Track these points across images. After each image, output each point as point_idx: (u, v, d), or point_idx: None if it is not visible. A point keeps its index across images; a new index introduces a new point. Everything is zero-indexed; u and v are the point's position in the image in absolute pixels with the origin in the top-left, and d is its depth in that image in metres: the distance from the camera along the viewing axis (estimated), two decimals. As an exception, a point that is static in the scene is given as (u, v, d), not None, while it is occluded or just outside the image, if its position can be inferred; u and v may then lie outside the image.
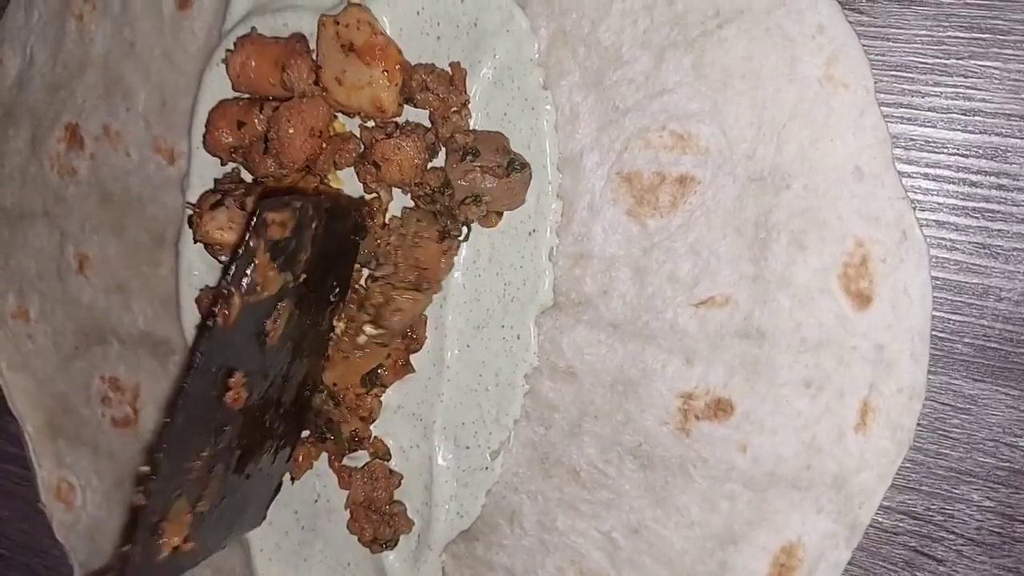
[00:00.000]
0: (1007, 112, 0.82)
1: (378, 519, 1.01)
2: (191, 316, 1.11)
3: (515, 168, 0.91)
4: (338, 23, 0.93)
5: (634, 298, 0.91)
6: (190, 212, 1.04)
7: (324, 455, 1.06)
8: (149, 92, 1.14)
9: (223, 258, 1.03)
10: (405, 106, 0.96)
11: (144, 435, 1.21)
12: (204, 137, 1.04)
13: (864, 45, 0.82)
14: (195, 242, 1.03)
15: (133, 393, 1.21)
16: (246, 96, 1.03)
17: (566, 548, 0.97)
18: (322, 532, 1.08)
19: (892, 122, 0.84)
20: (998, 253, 0.84)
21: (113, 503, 1.25)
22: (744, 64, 0.85)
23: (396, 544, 1.03)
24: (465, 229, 0.96)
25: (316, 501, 1.08)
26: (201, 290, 1.08)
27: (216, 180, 1.07)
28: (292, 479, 1.06)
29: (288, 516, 1.10)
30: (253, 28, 1.01)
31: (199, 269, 1.11)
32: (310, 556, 1.09)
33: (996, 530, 0.86)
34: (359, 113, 0.97)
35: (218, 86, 1.05)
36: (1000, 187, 0.83)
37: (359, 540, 1.03)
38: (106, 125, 1.17)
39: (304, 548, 1.10)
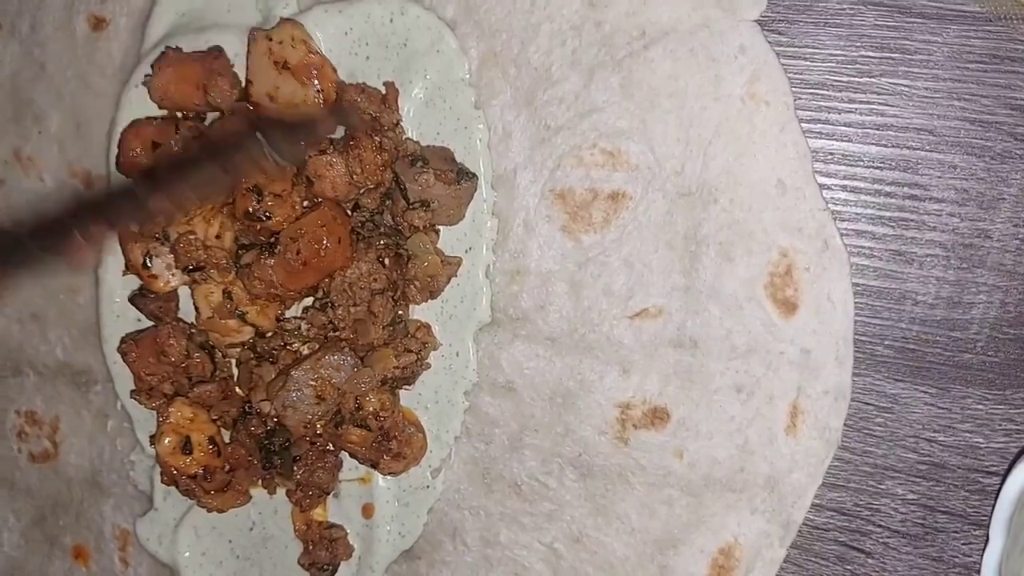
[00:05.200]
0: (917, 127, 0.85)
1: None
2: (114, 344, 1.06)
3: (465, 176, 0.91)
4: (271, 39, 0.91)
5: (570, 312, 0.92)
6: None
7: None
8: (62, 115, 1.09)
9: (148, 287, 0.99)
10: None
11: (65, 470, 1.15)
12: (117, 159, 1.00)
13: (783, 64, 0.85)
14: (124, 274, 1.00)
15: (52, 426, 1.15)
16: (160, 115, 0.99)
17: (509, 562, 0.97)
18: (259, 561, 1.05)
19: (811, 137, 0.87)
20: (912, 259, 0.87)
21: (32, 542, 1.19)
22: (670, 83, 0.87)
23: (335, 570, 1.01)
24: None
25: (252, 529, 1.05)
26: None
27: (138, 204, 1.03)
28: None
29: (223, 546, 1.06)
30: (178, 47, 0.98)
31: (120, 296, 1.06)
32: (247, 585, 1.07)
33: (919, 522, 0.88)
34: (291, 132, 0.94)
35: (138, 107, 1.02)
36: (912, 197, 0.86)
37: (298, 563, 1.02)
38: (16, 149, 1.12)
39: (240, 577, 1.07)
